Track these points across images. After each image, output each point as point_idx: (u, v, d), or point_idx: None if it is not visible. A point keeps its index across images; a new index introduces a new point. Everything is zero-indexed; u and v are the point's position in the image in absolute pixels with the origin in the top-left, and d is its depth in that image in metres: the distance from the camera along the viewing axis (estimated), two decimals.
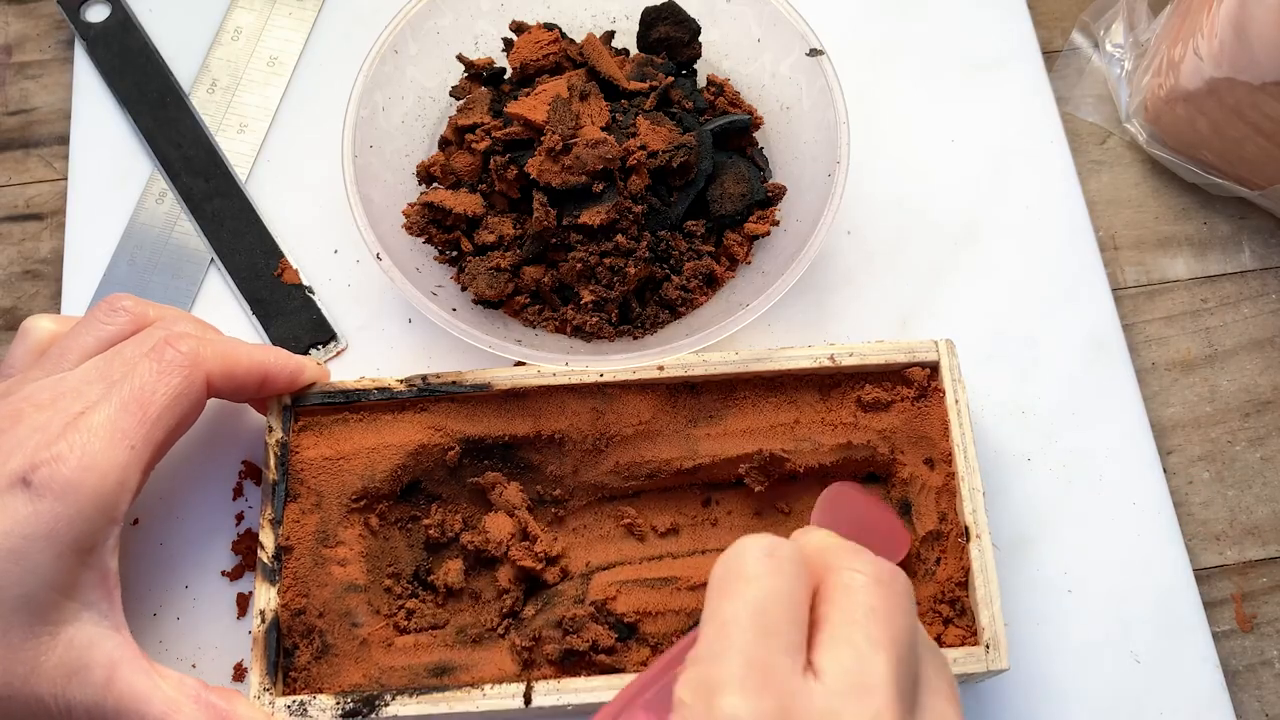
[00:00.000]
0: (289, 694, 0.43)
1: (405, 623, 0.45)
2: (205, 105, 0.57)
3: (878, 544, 0.38)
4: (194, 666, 0.47)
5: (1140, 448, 0.51)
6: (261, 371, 0.44)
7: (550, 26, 0.53)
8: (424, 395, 0.46)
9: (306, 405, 0.46)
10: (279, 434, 0.46)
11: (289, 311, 0.53)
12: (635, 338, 0.50)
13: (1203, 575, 0.50)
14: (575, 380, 0.46)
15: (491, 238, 0.49)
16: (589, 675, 0.43)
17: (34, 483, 0.38)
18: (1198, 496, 0.52)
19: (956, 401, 0.46)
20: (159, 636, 0.47)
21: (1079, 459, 0.51)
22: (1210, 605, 0.50)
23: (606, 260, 0.48)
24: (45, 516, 0.38)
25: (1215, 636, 0.49)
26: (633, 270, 0.48)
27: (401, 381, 0.47)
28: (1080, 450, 0.51)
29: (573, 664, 0.44)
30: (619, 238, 0.48)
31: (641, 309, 0.50)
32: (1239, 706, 0.48)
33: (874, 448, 0.47)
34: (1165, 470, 0.51)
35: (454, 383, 0.47)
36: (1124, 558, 0.49)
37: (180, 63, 0.58)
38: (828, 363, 0.47)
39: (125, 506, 0.40)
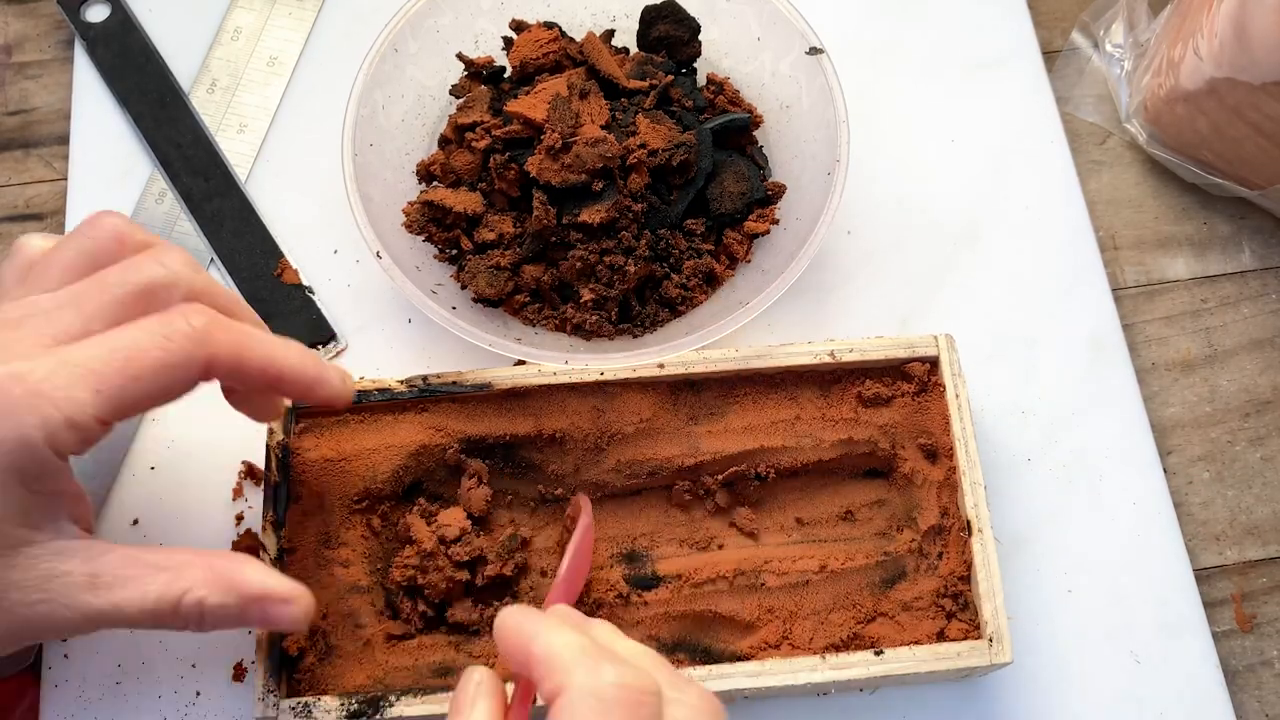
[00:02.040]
0: (293, 696, 0.43)
1: (407, 624, 0.45)
2: (205, 105, 0.57)
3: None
4: (194, 666, 0.47)
5: (1140, 448, 0.51)
6: (274, 371, 0.39)
7: (550, 25, 0.53)
8: (425, 396, 0.46)
9: (307, 407, 0.46)
10: (280, 436, 0.46)
11: (289, 311, 0.53)
12: (635, 336, 0.50)
13: (1203, 575, 0.50)
14: (576, 379, 0.46)
15: (492, 236, 0.49)
16: None
17: None
18: (1198, 496, 0.52)
19: (957, 396, 0.46)
20: (159, 636, 0.47)
21: (1079, 459, 0.51)
22: (1210, 605, 0.49)
23: (606, 258, 0.48)
24: None
25: (1215, 636, 0.49)
26: (633, 269, 0.48)
27: (402, 382, 0.47)
28: (1080, 450, 0.51)
29: None
30: (621, 235, 0.48)
31: (641, 307, 0.50)
32: (1239, 706, 0.48)
33: (875, 443, 0.47)
34: (1165, 470, 0.51)
35: (454, 383, 0.46)
36: (1124, 558, 0.49)
37: (180, 63, 0.58)
38: (828, 359, 0.47)
39: (70, 446, 0.36)
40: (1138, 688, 0.47)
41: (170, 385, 0.37)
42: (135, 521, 0.49)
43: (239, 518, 0.49)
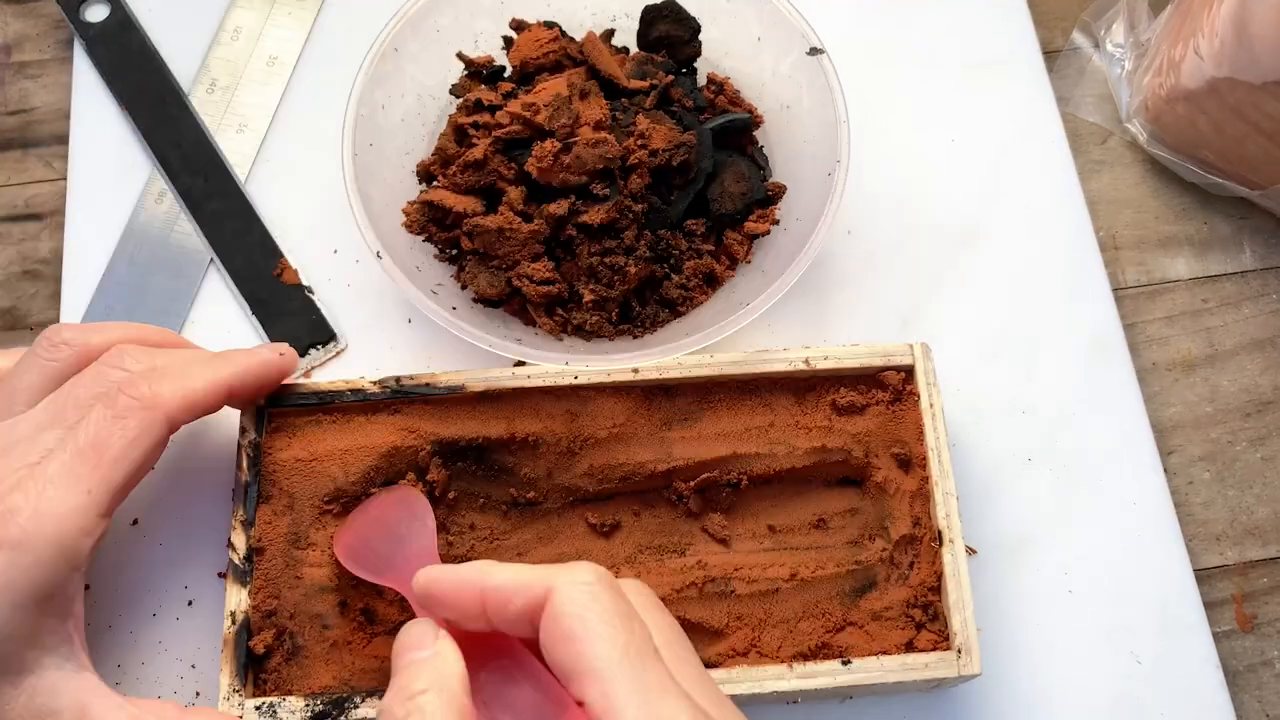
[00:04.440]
0: (259, 695, 0.43)
1: (376, 625, 0.45)
2: (205, 105, 0.57)
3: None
4: (193, 667, 0.47)
5: (1141, 448, 0.51)
6: (224, 389, 0.43)
7: (550, 24, 0.53)
8: (397, 397, 0.46)
9: (280, 407, 0.46)
10: (252, 435, 0.46)
11: (289, 311, 0.53)
12: (635, 337, 0.50)
13: (1203, 575, 0.50)
14: (550, 382, 0.46)
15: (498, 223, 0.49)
16: None
17: None
18: (1198, 497, 0.52)
19: (931, 405, 0.46)
20: (158, 637, 0.47)
21: (1079, 459, 0.51)
22: (1211, 605, 0.49)
23: (607, 259, 0.48)
24: (1, 569, 0.37)
25: (1216, 637, 0.49)
26: (633, 269, 0.48)
27: (375, 383, 0.46)
28: (1080, 450, 0.51)
29: None
30: (622, 235, 0.48)
31: (642, 308, 0.50)
32: (1239, 707, 0.48)
33: (848, 451, 0.46)
34: (1166, 470, 0.51)
35: (427, 385, 0.46)
36: (1124, 558, 0.49)
37: (180, 63, 0.58)
38: (802, 366, 0.47)
39: (86, 551, 0.39)
40: (1138, 688, 0.47)
41: (145, 456, 0.41)
42: (135, 521, 0.49)
43: None
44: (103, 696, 0.39)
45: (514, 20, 0.53)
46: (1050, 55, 0.60)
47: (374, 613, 0.45)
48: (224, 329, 0.52)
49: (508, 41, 0.54)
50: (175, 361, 0.43)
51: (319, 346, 0.52)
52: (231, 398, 0.44)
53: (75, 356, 0.43)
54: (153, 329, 0.46)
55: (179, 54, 0.58)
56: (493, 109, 0.51)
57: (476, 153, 0.49)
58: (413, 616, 0.38)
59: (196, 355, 0.45)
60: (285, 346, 0.46)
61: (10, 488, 0.38)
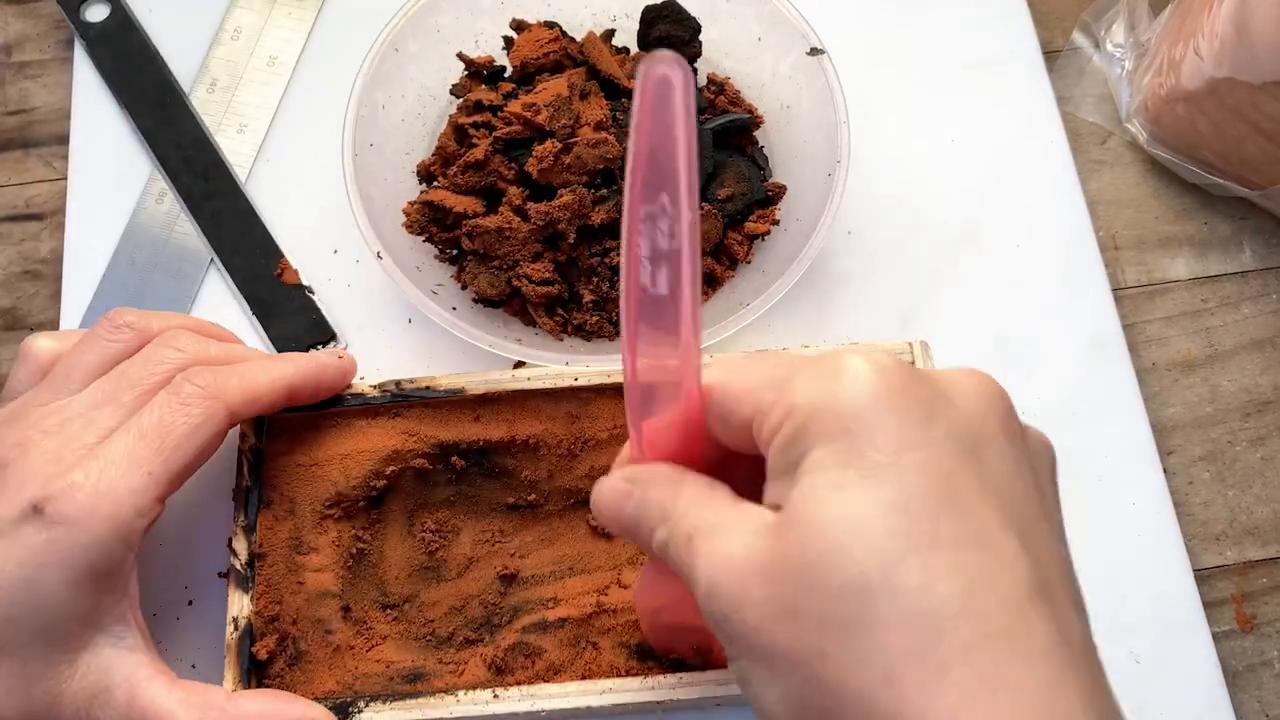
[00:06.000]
0: None
1: (379, 629, 0.45)
2: (205, 105, 0.57)
3: None
4: (193, 667, 0.47)
5: (1140, 448, 0.51)
6: (284, 388, 0.43)
7: (550, 25, 0.53)
8: (398, 400, 0.46)
9: (279, 412, 0.46)
10: (252, 440, 0.46)
11: (289, 312, 0.53)
12: None
13: (1203, 575, 0.50)
14: (550, 384, 0.46)
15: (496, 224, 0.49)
16: (563, 680, 0.43)
17: (47, 511, 0.37)
18: (1198, 497, 0.52)
19: None
20: (158, 637, 0.47)
21: (1079, 459, 0.51)
22: (1210, 605, 0.49)
23: (607, 259, 0.48)
24: (60, 545, 0.37)
25: (1215, 637, 0.49)
26: None
27: (375, 387, 0.46)
28: (1080, 450, 0.51)
29: (545, 669, 0.44)
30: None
31: None
32: (1239, 707, 0.48)
33: None
34: (1165, 470, 0.51)
35: (428, 388, 0.46)
36: (1124, 558, 0.49)
37: (180, 62, 0.58)
38: None
39: (141, 532, 0.39)
40: (1138, 688, 0.47)
41: (205, 444, 0.41)
42: None
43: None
44: (153, 676, 0.39)
45: (514, 20, 0.53)
46: (1050, 55, 0.60)
47: (370, 626, 0.45)
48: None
49: (508, 41, 0.54)
50: (233, 354, 0.44)
51: (319, 347, 0.52)
52: (291, 399, 0.44)
53: (136, 339, 0.43)
54: (210, 323, 0.46)
55: (179, 54, 0.58)
56: (493, 109, 0.51)
57: (477, 153, 0.49)
58: None
59: (255, 352, 0.45)
60: (344, 351, 0.47)
61: (69, 465, 0.38)
